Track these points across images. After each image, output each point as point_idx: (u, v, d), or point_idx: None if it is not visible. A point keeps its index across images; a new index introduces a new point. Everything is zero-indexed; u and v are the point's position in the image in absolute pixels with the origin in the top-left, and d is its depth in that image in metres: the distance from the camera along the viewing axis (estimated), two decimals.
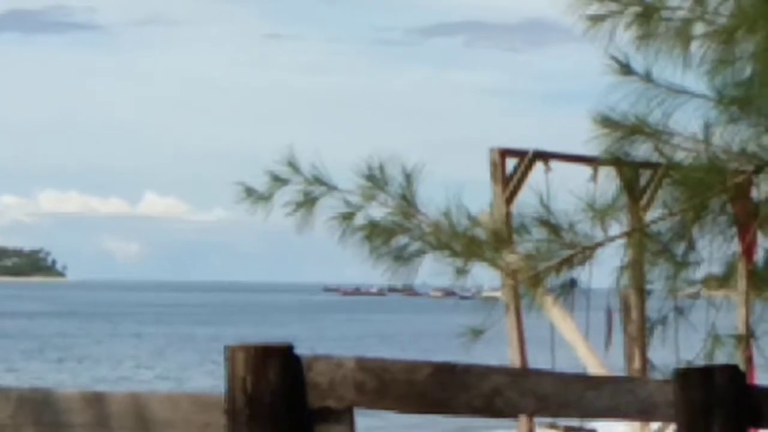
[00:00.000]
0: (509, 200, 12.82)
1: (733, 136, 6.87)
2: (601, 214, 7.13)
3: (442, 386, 5.87)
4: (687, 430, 5.21)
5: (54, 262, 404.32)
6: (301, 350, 5.68)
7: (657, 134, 7.03)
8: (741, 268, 7.79)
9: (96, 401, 6.64)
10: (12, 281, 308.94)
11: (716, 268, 7.39)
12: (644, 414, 6.44)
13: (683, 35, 7.03)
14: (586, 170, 9.54)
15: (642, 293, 10.96)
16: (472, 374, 5.87)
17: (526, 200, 9.00)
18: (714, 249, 7.03)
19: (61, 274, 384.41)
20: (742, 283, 7.92)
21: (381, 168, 7.48)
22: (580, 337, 13.30)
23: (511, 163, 13.77)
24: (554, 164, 13.43)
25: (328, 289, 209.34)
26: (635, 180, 7.58)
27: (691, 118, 7.09)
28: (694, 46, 7.01)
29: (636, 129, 6.97)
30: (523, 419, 13.38)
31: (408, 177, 7.44)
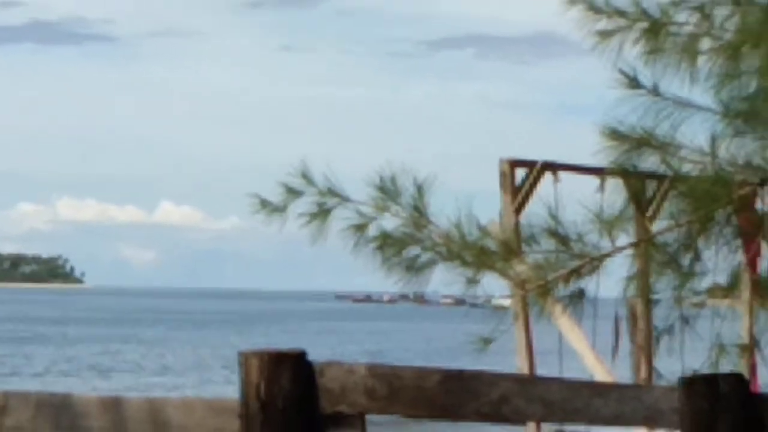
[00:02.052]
0: (518, 210, 12.84)
1: (739, 149, 6.86)
2: (608, 224, 7.12)
3: (451, 393, 5.87)
4: None
5: (72, 269, 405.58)
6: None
7: (664, 147, 7.02)
8: (745, 279, 7.77)
9: (113, 406, 6.65)
10: (31, 287, 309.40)
11: (721, 279, 7.39)
12: (650, 421, 6.44)
13: (690, 50, 7.03)
14: (594, 181, 9.54)
15: (648, 303, 10.92)
16: (480, 381, 5.87)
17: (535, 211, 8.97)
18: (719, 259, 7.03)
19: (79, 281, 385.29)
20: (746, 293, 7.91)
21: (393, 179, 7.47)
22: (587, 346, 13.30)
23: (520, 173, 13.80)
24: (563, 175, 13.43)
25: (339, 297, 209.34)
26: (642, 191, 7.57)
27: (698, 131, 7.09)
28: (701, 60, 7.01)
29: (643, 141, 6.97)
30: (530, 426, 13.39)
31: (419, 188, 7.43)
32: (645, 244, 7.15)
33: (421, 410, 6.03)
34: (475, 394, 5.88)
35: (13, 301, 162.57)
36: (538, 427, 13.38)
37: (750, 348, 6.90)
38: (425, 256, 7.53)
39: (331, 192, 7.61)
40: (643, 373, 13.84)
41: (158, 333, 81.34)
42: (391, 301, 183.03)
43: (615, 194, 7.75)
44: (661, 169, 7.17)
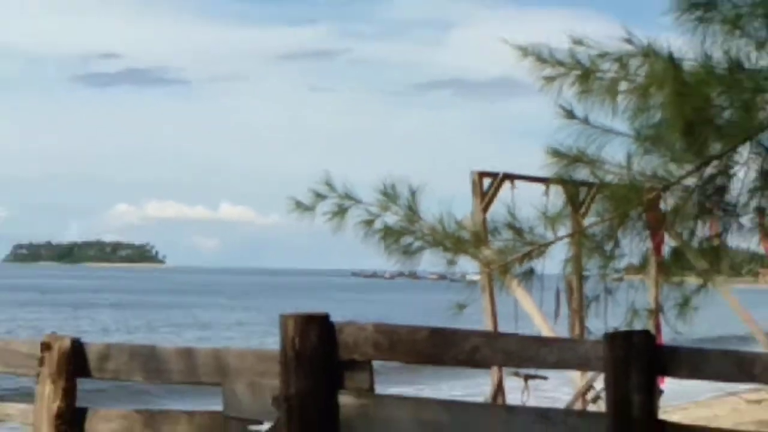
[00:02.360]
0: (485, 210, 12.81)
1: (647, 164, 6.82)
2: (551, 220, 7.10)
3: (435, 345, 5.92)
4: (613, 378, 5.27)
5: (157, 253, 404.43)
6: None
7: (592, 162, 7.00)
8: (652, 260, 7.78)
9: (187, 354, 6.71)
10: (127, 266, 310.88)
11: (635, 260, 7.37)
12: (582, 366, 6.51)
13: (611, 91, 6.98)
14: (540, 188, 9.51)
15: (581, 278, 10.92)
16: (457, 336, 5.92)
17: (497, 210, 9.01)
18: (633, 246, 7.00)
19: (161, 262, 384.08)
20: (653, 271, 7.91)
21: (393, 187, 7.47)
22: (536, 310, 13.29)
23: (486, 182, 13.76)
24: (518, 183, 13.38)
25: (354, 274, 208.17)
26: (576, 195, 7.57)
27: (617, 150, 7.05)
28: (620, 98, 6.95)
29: (577, 158, 6.95)
30: (494, 369, 13.39)
31: (412, 193, 7.43)
32: (578, 235, 7.14)
33: (413, 358, 6.07)
34: (453, 345, 5.93)
35: (114, 277, 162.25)
36: (500, 370, 13.37)
37: (655, 312, 6.91)
38: (416, 244, 7.53)
39: (347, 196, 7.61)
40: (577, 331, 13.89)
41: (220, 300, 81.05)
42: (391, 277, 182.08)
43: (556, 198, 7.71)
44: (591, 178, 7.14)
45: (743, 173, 6.86)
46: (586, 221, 7.43)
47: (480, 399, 13.18)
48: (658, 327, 6.74)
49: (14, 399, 7.66)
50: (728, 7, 6.61)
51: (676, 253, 7.65)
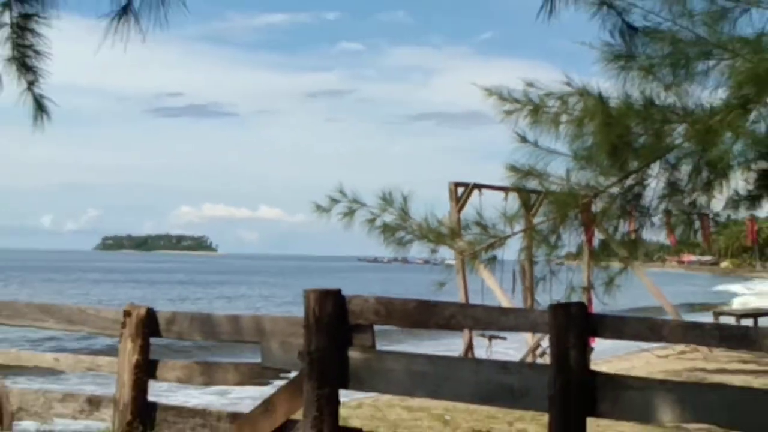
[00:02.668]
0: (459, 211, 12.78)
1: (582, 177, 6.81)
2: (509, 219, 7.08)
3: (422, 313, 5.89)
4: (555, 338, 5.24)
5: (211, 243, 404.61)
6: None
7: (540, 176, 6.97)
8: (586, 250, 7.77)
9: (234, 320, 6.69)
10: (188, 254, 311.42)
11: (572, 249, 7.37)
12: (533, 329, 6.50)
13: (555, 121, 6.96)
14: (501, 195, 9.51)
15: (531, 263, 10.94)
16: (437, 306, 5.89)
17: (468, 211, 9.03)
18: (571, 239, 6.99)
19: (214, 250, 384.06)
20: (586, 257, 7.90)
21: (389, 194, 7.45)
22: (498, 287, 13.27)
23: (460, 190, 13.74)
24: (484, 191, 13.39)
25: (360, 259, 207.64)
26: (528, 200, 7.55)
27: (560, 167, 7.01)
28: (561, 127, 6.94)
29: (528, 173, 6.92)
30: (466, 332, 13.41)
31: (404, 199, 7.42)
32: (529, 230, 7.14)
33: (405, 323, 6.06)
34: (434, 313, 5.91)
35: (178, 262, 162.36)
36: (470, 333, 13.37)
37: (588, 288, 6.89)
38: (407, 237, 7.50)
39: (355, 201, 7.58)
40: (528, 303, 13.85)
41: (258, 279, 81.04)
42: (388, 261, 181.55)
43: (513, 202, 7.69)
44: (539, 188, 7.13)
45: (654, 184, 6.85)
46: (536, 220, 7.41)
47: (455, 354, 13.15)
48: (589, 300, 6.72)
49: (103, 354, 7.63)
50: (643, 58, 6.58)
51: (603, 244, 7.61)
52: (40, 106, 3.88)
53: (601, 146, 6.64)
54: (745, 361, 14.54)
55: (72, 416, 7.09)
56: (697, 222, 7.36)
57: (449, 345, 16.91)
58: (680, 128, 6.50)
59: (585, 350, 5.24)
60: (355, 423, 6.29)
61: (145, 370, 6.61)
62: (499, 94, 7.22)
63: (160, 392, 6.98)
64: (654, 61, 6.63)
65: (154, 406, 6.61)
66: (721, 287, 57.77)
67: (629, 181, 6.80)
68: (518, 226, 7.26)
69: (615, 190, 6.85)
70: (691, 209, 7.07)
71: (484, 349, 13.99)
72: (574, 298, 6.35)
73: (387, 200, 7.34)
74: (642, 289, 15.87)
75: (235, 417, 6.48)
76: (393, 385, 5.89)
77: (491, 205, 7.81)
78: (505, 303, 12.72)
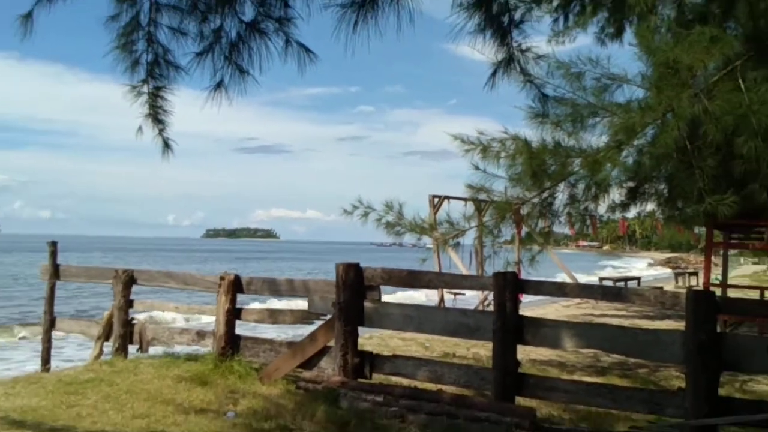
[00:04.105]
0: (435, 213, 12.76)
1: (514, 192, 6.69)
2: (467, 219, 6.99)
3: (411, 278, 5.90)
4: (497, 294, 5.22)
5: (276, 233, 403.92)
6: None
7: (488, 191, 6.83)
8: (516, 238, 7.72)
9: (291, 282, 6.67)
10: (260, 240, 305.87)
11: (508, 237, 7.31)
12: (483, 288, 6.47)
13: (497, 156, 6.85)
14: (462, 203, 9.46)
15: (482, 246, 10.93)
16: (421, 273, 5.90)
17: (441, 213, 9.01)
18: (507, 231, 6.92)
19: (278, 238, 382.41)
20: (517, 243, 7.84)
21: (390, 202, 7.29)
22: (460, 262, 13.23)
23: (436, 199, 13.71)
24: (452, 201, 13.30)
25: (371, 244, 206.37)
26: (480, 207, 7.50)
27: (500, 185, 6.91)
28: (501, 160, 6.83)
29: (480, 189, 6.80)
30: (439, 290, 13.35)
31: (400, 205, 7.29)
32: (480, 226, 7.08)
33: (400, 285, 6.03)
34: (418, 278, 5.92)
35: (255, 246, 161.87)
36: (442, 290, 13.29)
37: (518, 263, 6.82)
38: (402, 230, 7.36)
39: (369, 207, 7.43)
40: (480, 272, 13.79)
41: (305, 256, 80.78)
42: (390, 246, 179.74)
43: (470, 207, 7.67)
44: (487, 199, 7.05)
45: (561, 196, 6.78)
46: (485, 219, 7.34)
47: (432, 304, 13.14)
48: (519, 270, 6.67)
49: (207, 306, 7.66)
50: (553, 116, 6.54)
51: (528, 234, 7.53)
52: (166, 145, 3.88)
53: (526, 172, 6.58)
54: (618, 309, 14.50)
55: (186, 343, 7.11)
56: (588, 220, 7.32)
57: (429, 296, 16.85)
58: (577, 161, 6.45)
59: (516, 302, 5.24)
60: (367, 348, 6.29)
61: (234, 314, 6.63)
62: (461, 139, 7.12)
63: (245, 329, 6.97)
64: (560, 118, 6.59)
65: (239, 337, 6.63)
66: (603, 262, 57.23)
67: (544, 195, 6.74)
68: (473, 223, 7.16)
69: (535, 200, 6.77)
70: (584, 212, 7.02)
71: (451, 301, 14.00)
72: (509, 269, 6.34)
73: (389, 206, 7.24)
74: (552, 263, 15.84)
75: (290, 344, 6.49)
76: (392, 323, 5.90)
77: (456, 210, 7.80)
78: (464, 272, 12.68)
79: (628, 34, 7.56)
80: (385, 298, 6.06)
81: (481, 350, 8.00)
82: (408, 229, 7.18)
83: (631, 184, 7.44)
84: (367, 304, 5.82)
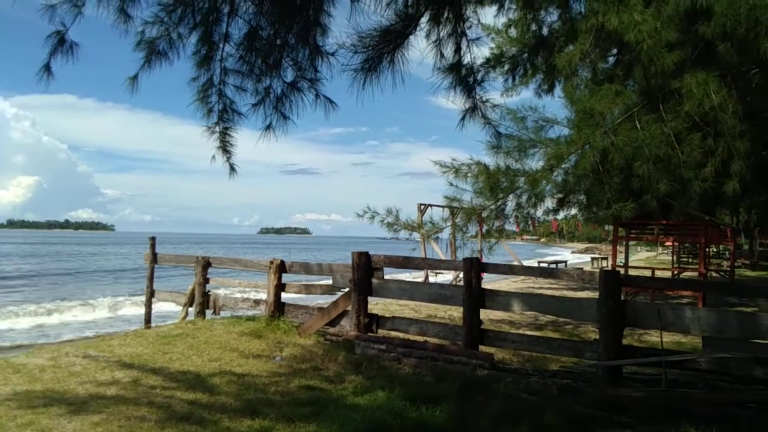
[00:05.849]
0: (422, 215, 12.68)
1: (477, 201, 6.68)
2: (444, 220, 7.00)
3: (404, 261, 5.83)
4: (466, 273, 5.20)
5: (309, 230, 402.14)
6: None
7: (459, 201, 6.84)
8: (479, 234, 7.66)
9: (319, 264, 6.54)
10: (298, 236, 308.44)
11: (473, 234, 7.27)
12: (456, 269, 6.40)
13: (466, 176, 6.86)
14: (440, 209, 9.38)
15: (455, 239, 10.83)
16: (413, 258, 5.85)
17: (426, 217, 8.91)
18: (472, 229, 6.89)
19: (311, 234, 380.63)
20: (479, 237, 7.75)
21: (391, 209, 7.30)
22: (440, 251, 13.12)
23: (422, 206, 13.65)
24: (434, 208, 13.19)
25: (377, 238, 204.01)
26: (454, 213, 7.47)
27: (467, 196, 6.92)
28: (468, 179, 6.83)
29: (453, 199, 6.80)
30: (426, 271, 13.21)
31: (397, 211, 7.28)
32: (453, 225, 7.05)
33: (397, 266, 5.97)
34: (411, 262, 5.85)
35: (294, 239, 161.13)
36: (427, 271, 13.13)
37: (480, 251, 6.77)
38: (398, 228, 7.32)
39: (375, 212, 7.43)
40: (453, 258, 13.65)
41: (330, 247, 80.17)
42: (390, 239, 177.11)
43: (446, 212, 7.63)
44: (458, 206, 7.02)
45: (510, 204, 6.77)
46: (457, 220, 7.30)
47: (419, 280, 13.08)
48: (480, 256, 6.61)
49: (261, 282, 7.62)
50: (505, 147, 6.53)
51: (487, 231, 7.52)
52: (232, 169, 3.88)
53: (485, 187, 6.58)
54: (551, 284, 14.39)
55: (247, 308, 7.09)
56: (529, 221, 7.30)
57: (417, 276, 16.78)
58: (522, 179, 6.44)
59: (479, 279, 5.22)
60: (374, 311, 6.26)
61: (280, 287, 6.60)
62: (440, 164, 7.13)
63: (287, 298, 6.93)
64: (510, 149, 6.58)
65: (283, 303, 6.59)
66: (540, 251, 57.08)
67: (499, 203, 6.73)
68: (449, 223, 7.15)
69: (492, 207, 6.77)
70: (527, 215, 7.00)
71: (433, 278, 13.91)
72: (474, 256, 6.29)
73: (389, 212, 7.22)
74: (504, 251, 15.77)
75: (320, 309, 6.46)
76: (391, 294, 5.86)
77: (436, 214, 7.75)
78: (442, 258, 12.61)
79: (558, 90, 7.59)
80: (386, 276, 6.03)
81: (454, 313, 7.95)
82: (402, 227, 7.15)
83: (560, 195, 7.43)
84: (374, 281, 5.80)
